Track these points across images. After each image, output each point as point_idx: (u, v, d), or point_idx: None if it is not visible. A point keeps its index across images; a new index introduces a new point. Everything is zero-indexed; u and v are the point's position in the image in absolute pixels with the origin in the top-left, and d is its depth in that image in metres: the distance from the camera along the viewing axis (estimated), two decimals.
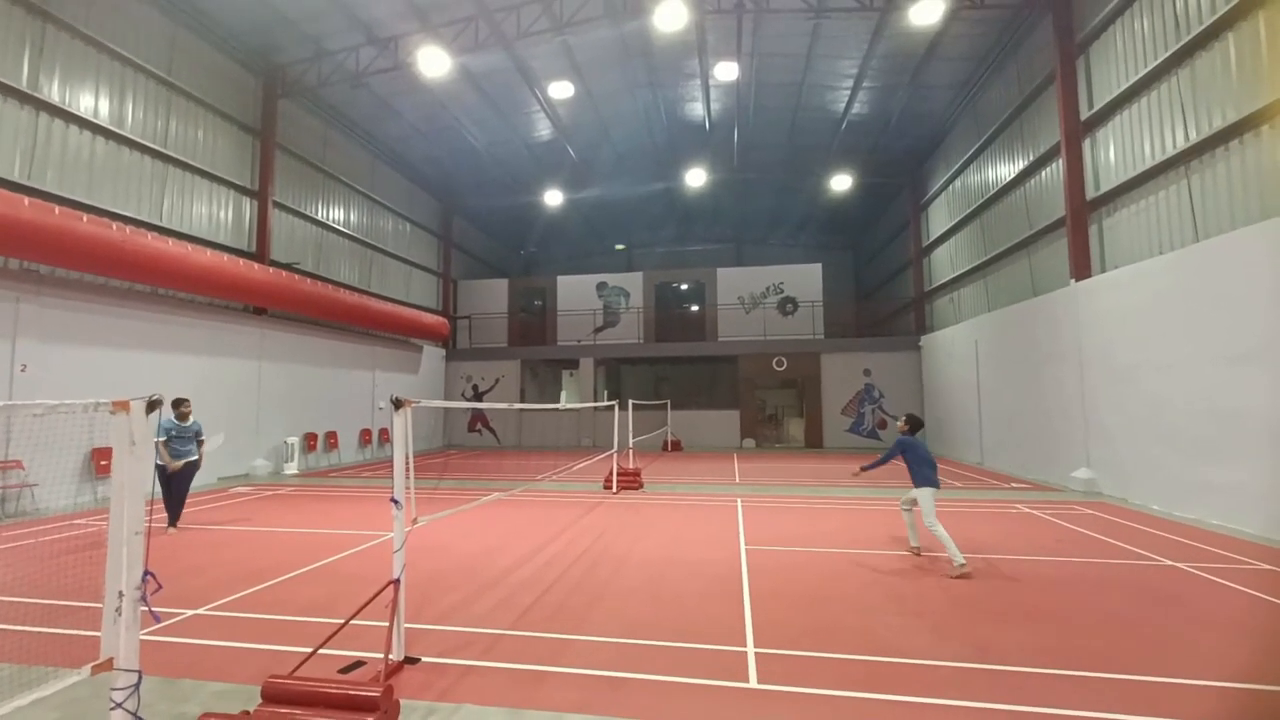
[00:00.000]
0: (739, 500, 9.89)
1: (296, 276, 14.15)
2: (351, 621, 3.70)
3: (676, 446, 19.88)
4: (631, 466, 12.35)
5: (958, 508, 9.20)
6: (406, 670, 3.64)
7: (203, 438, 8.15)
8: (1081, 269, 10.74)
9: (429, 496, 9.88)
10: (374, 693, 2.95)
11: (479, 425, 22.72)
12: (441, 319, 20.90)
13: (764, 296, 22.43)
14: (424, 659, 3.78)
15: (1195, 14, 8.38)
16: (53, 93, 10.04)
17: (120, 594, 2.43)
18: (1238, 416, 7.29)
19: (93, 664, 2.40)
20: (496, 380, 22.52)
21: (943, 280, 18.19)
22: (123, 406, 2.49)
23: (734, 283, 22.79)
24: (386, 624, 3.55)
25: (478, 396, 22.40)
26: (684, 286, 24.64)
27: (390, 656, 3.46)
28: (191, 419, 8.04)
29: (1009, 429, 13.30)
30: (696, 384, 26.80)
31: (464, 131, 18.74)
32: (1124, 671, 3.57)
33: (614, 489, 10.92)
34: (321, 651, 3.51)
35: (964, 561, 5.58)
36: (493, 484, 12.11)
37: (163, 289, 11.46)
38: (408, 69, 14.19)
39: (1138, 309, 9.10)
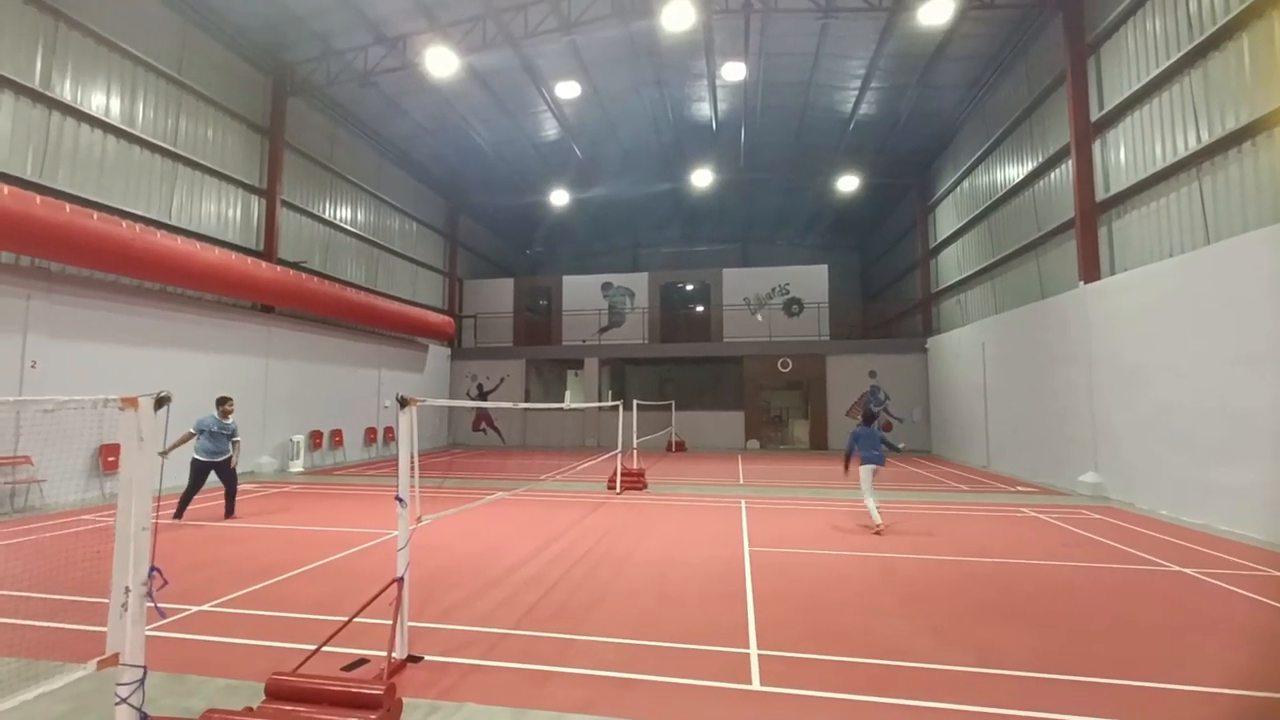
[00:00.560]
0: (743, 501, 9.87)
1: (304, 275, 14.22)
2: (355, 619, 3.72)
3: (681, 447, 19.86)
4: (635, 467, 12.34)
5: (964, 511, 9.15)
6: (409, 668, 3.64)
7: (237, 438, 8.54)
8: (1091, 271, 10.66)
9: (433, 495, 9.91)
10: (377, 691, 2.95)
11: (483, 424, 22.76)
12: (447, 318, 20.95)
13: (770, 297, 22.37)
14: (427, 657, 3.79)
15: (1208, 14, 8.30)
16: (64, 91, 10.13)
17: (127, 589, 2.44)
18: (1247, 421, 7.21)
19: (99, 659, 2.41)
20: (501, 380, 22.56)
21: (950, 282, 18.09)
22: (131, 403, 2.50)
23: (739, 283, 22.74)
24: (390, 622, 3.56)
25: (482, 396, 22.44)
26: (689, 287, 24.62)
27: (393, 654, 3.47)
28: (231, 419, 8.46)
29: (1016, 432, 13.21)
30: (701, 385, 26.77)
31: (471, 131, 18.78)
32: (1128, 677, 3.54)
33: (618, 489, 10.92)
34: (325, 649, 3.52)
35: (880, 522, 7.34)
36: (497, 483, 12.13)
37: (171, 287, 11.54)
38: (415, 68, 14.23)
39: (1147, 312, 9.02)
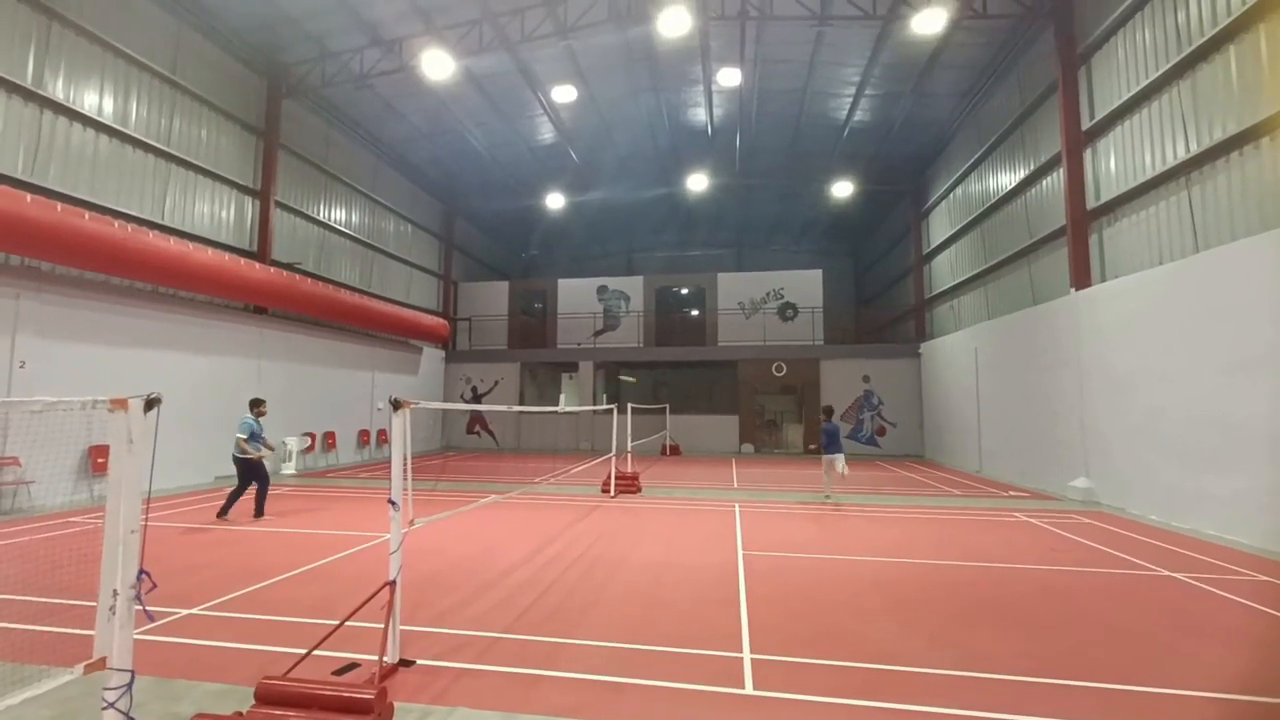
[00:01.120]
0: (737, 505, 9.88)
1: (297, 276, 14.16)
2: (346, 623, 3.69)
3: (675, 451, 19.86)
4: (630, 470, 12.33)
5: (955, 515, 9.19)
6: (401, 672, 3.63)
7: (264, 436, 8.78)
8: (1082, 278, 10.76)
9: (426, 498, 9.86)
10: (368, 695, 2.93)
11: (478, 427, 22.70)
12: (441, 320, 20.90)
13: (764, 302, 22.45)
14: (419, 661, 3.77)
15: (1197, 26, 8.42)
16: (57, 90, 10.07)
17: (115, 592, 2.42)
18: (1237, 427, 7.29)
19: (86, 662, 2.39)
20: (496, 382, 22.51)
21: (943, 288, 18.21)
22: (121, 404, 2.49)
23: (734, 288, 22.81)
24: (382, 626, 3.54)
25: (477, 398, 22.39)
26: (684, 291, 24.66)
27: (385, 659, 3.45)
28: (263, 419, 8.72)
29: (1008, 437, 13.29)
30: (696, 389, 26.79)
31: (467, 134, 18.78)
32: (1119, 681, 3.56)
33: (612, 493, 10.91)
34: (316, 653, 3.50)
35: (830, 496, 10.08)
36: (490, 486, 12.09)
37: (164, 287, 11.46)
38: (412, 71, 14.23)
39: (1137, 319, 9.10)
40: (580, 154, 20.37)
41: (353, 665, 3.66)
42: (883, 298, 24.73)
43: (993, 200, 14.61)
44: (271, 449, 8.52)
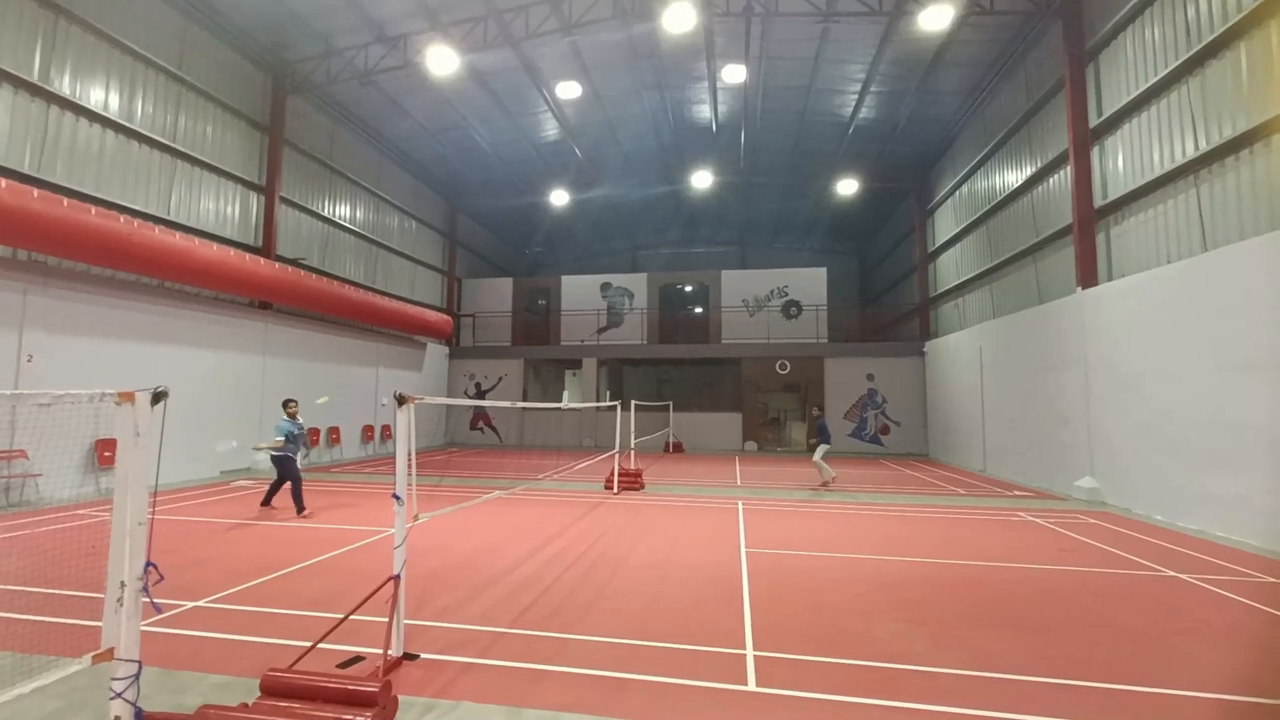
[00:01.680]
0: (740, 503, 9.88)
1: (302, 272, 14.19)
2: (351, 617, 3.71)
3: (678, 448, 19.86)
4: (633, 467, 12.34)
5: (960, 514, 9.17)
6: (405, 666, 3.64)
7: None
8: (1088, 277, 10.70)
9: (430, 494, 9.90)
10: (372, 688, 2.95)
11: (481, 423, 22.74)
12: (445, 317, 20.94)
13: (768, 299, 22.41)
14: (423, 655, 3.78)
15: (1207, 22, 8.34)
16: (64, 86, 10.11)
17: (122, 584, 2.44)
18: (1243, 428, 7.24)
19: (93, 653, 2.41)
20: (499, 379, 22.54)
21: (948, 286, 18.15)
22: (128, 397, 2.50)
23: (738, 285, 22.77)
24: (386, 620, 3.56)
25: (480, 395, 22.43)
26: (688, 288, 24.64)
27: (389, 652, 3.47)
28: (300, 418, 8.83)
29: (1012, 436, 13.25)
30: (699, 386, 26.78)
31: (471, 130, 18.78)
32: (1123, 682, 3.55)
33: (615, 490, 10.92)
34: (321, 646, 3.52)
35: (833, 476, 11.69)
36: (494, 482, 12.11)
37: (169, 282, 11.52)
38: (416, 67, 14.22)
39: (1144, 318, 9.05)
40: (584, 151, 20.34)
41: (357, 659, 3.68)
42: (887, 296, 24.66)
43: (998, 198, 14.54)
44: (276, 448, 8.44)
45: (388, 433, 18.39)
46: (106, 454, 9.80)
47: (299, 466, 8.69)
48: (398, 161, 19.72)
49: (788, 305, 22.24)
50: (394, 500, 3.71)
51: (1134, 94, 9.71)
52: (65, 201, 9.03)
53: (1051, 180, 12.39)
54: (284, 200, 14.72)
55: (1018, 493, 11.39)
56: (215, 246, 11.71)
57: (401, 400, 3.74)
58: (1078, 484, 10.38)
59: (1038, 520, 8.69)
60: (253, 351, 13.46)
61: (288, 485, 8.59)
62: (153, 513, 2.58)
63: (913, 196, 20.93)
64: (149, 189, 11.56)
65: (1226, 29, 7.90)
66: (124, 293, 10.71)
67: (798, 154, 20.47)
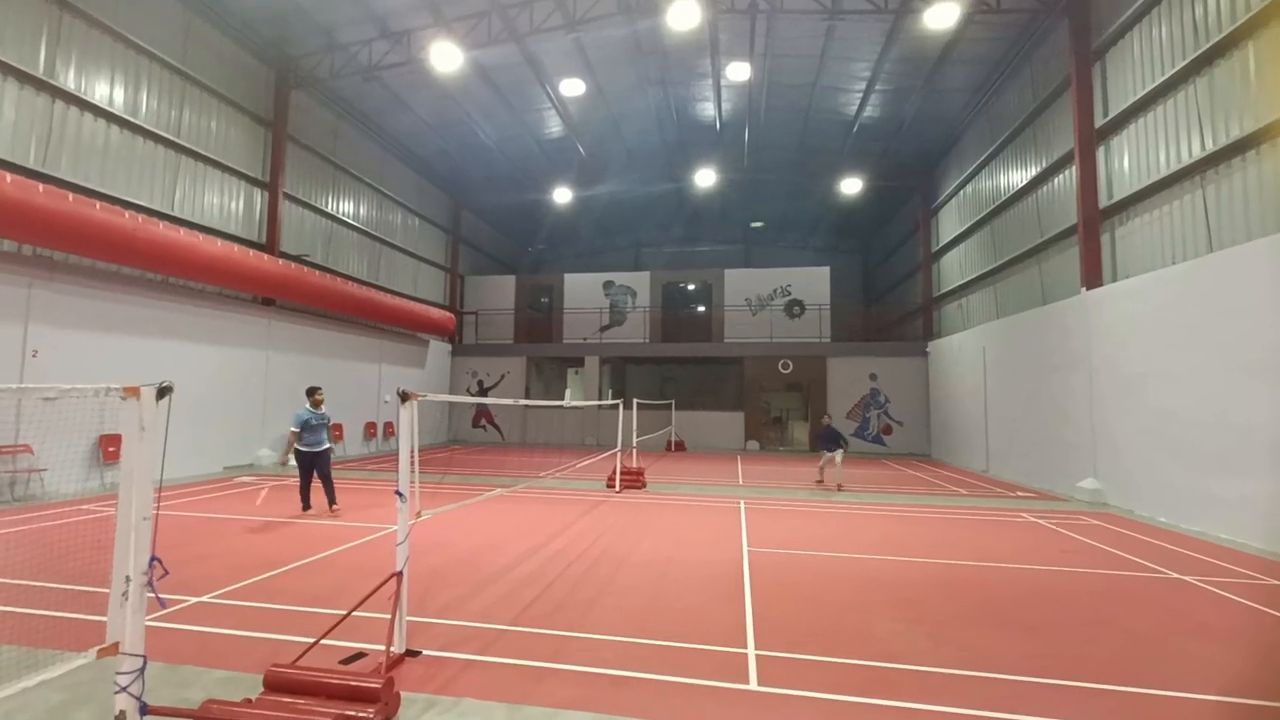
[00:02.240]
0: (742, 502, 9.88)
1: (305, 268, 14.22)
2: (354, 613, 3.72)
3: (680, 447, 19.86)
4: (635, 466, 12.34)
5: (962, 515, 9.16)
6: (407, 663, 3.65)
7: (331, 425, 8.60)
8: (1093, 278, 10.66)
9: (433, 491, 9.91)
10: (375, 684, 2.96)
11: (483, 421, 22.76)
12: (448, 314, 20.96)
13: (771, 298, 22.38)
14: (425, 652, 3.79)
15: (1215, 21, 8.29)
16: (68, 80, 10.12)
17: (127, 579, 2.45)
18: (1247, 430, 7.22)
19: (98, 647, 2.42)
20: (502, 376, 22.56)
21: (952, 286, 18.09)
22: (133, 392, 2.51)
23: (741, 284, 22.74)
24: (388, 616, 3.57)
25: (483, 392, 22.46)
26: (691, 287, 24.62)
27: (391, 649, 3.48)
28: (323, 407, 8.41)
29: (1015, 437, 13.22)
30: (702, 385, 26.77)
31: (475, 127, 18.76)
32: (1124, 683, 3.54)
33: (617, 488, 10.93)
34: (324, 642, 3.53)
35: (840, 481, 11.59)
36: (496, 480, 12.13)
37: (173, 278, 11.54)
38: (420, 63, 14.21)
39: (1149, 319, 9.02)
40: (588, 148, 20.32)
41: (360, 655, 3.69)
42: (890, 295, 24.58)
43: (1003, 198, 14.48)
44: (289, 448, 8.22)
45: (390, 430, 18.42)
46: (111, 449, 9.84)
47: (329, 460, 8.32)
48: (401, 157, 19.72)
49: (791, 304, 22.20)
50: (397, 497, 3.71)
51: (1140, 94, 9.66)
52: (70, 196, 9.05)
53: (1056, 180, 12.34)
54: (287, 196, 14.73)
55: (1020, 493, 11.37)
56: (219, 242, 11.74)
57: (405, 397, 3.75)
58: (1080, 485, 10.36)
59: (1040, 521, 8.67)
60: (256, 347, 13.49)
61: (317, 480, 8.27)
62: (157, 508, 2.59)
63: (917, 195, 20.86)
64: (153, 184, 11.58)
65: (1234, 29, 7.85)
66: (129, 288, 10.74)
67: (802, 152, 20.40)
